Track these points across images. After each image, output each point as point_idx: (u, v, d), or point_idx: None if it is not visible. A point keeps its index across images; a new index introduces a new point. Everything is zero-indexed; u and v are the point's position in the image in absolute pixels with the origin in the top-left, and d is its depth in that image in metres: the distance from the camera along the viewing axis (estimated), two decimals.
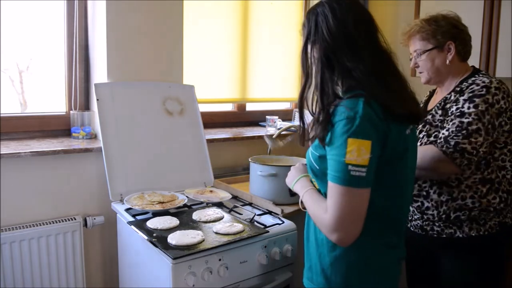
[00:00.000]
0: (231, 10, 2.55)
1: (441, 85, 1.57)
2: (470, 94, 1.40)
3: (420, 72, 1.56)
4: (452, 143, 1.37)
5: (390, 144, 1.04)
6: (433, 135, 1.47)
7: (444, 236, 1.49)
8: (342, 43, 1.08)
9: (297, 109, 2.81)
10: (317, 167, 1.12)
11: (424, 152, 1.40)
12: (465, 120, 1.38)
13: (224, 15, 2.52)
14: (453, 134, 1.37)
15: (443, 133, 1.41)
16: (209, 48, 2.49)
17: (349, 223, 1.01)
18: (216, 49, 2.52)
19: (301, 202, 1.21)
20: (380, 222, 1.11)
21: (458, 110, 1.40)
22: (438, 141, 1.41)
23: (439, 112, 1.48)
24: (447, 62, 1.49)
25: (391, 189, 1.11)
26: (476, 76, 1.48)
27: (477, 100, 1.38)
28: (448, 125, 1.41)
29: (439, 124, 1.46)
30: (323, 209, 1.05)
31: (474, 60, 2.18)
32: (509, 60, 2.13)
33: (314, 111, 1.12)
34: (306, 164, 1.27)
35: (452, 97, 1.47)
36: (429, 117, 1.51)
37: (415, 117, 1.14)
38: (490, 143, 1.40)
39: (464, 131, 1.37)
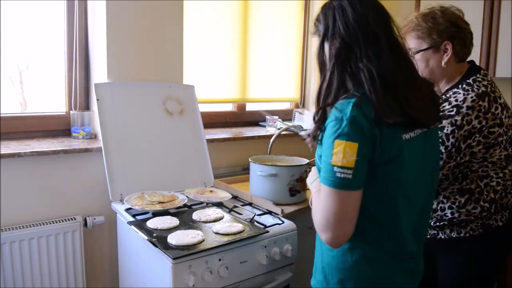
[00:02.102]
0: (231, 10, 2.55)
1: (436, 87, 1.50)
2: (440, 114, 1.32)
3: None
4: None
5: (380, 148, 1.00)
6: None
7: (428, 237, 1.49)
8: (359, 39, 1.03)
9: (297, 109, 2.84)
10: (321, 166, 1.10)
11: None
12: None
13: (224, 15, 2.52)
14: None
15: None
16: (209, 48, 2.48)
17: (336, 225, 0.99)
18: (216, 49, 2.52)
19: (311, 202, 1.18)
20: (376, 229, 1.07)
21: None
22: None
23: None
24: (443, 63, 1.41)
25: (384, 196, 1.06)
26: (460, 86, 1.38)
27: (444, 122, 1.33)
28: None
29: None
30: (316, 211, 1.05)
31: (474, 60, 2.19)
32: (509, 60, 2.13)
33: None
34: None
35: None
36: None
37: (416, 123, 1.05)
38: (454, 165, 1.37)
39: None
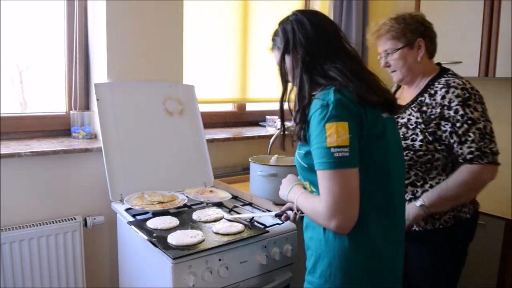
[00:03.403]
0: (231, 10, 2.55)
1: (411, 84, 1.57)
2: (460, 99, 1.39)
3: (393, 71, 1.56)
4: (488, 151, 1.37)
5: (367, 125, 1.07)
6: (410, 137, 1.46)
7: None
8: (320, 47, 1.14)
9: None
10: (305, 165, 1.15)
11: (467, 174, 1.39)
12: (480, 126, 1.38)
13: (224, 15, 2.52)
14: (482, 143, 1.38)
15: (468, 147, 1.38)
16: (209, 48, 2.48)
17: (344, 205, 1.02)
18: (216, 49, 2.52)
19: (297, 210, 1.22)
20: (375, 211, 1.11)
21: (466, 118, 1.38)
22: (469, 156, 1.38)
23: (416, 115, 1.47)
24: (418, 59, 1.51)
25: (379, 174, 1.12)
26: (445, 76, 1.48)
27: (471, 102, 1.39)
28: (463, 136, 1.39)
29: (420, 128, 1.45)
30: (317, 202, 1.06)
31: (474, 60, 2.19)
32: (509, 60, 2.12)
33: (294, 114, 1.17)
34: (295, 175, 1.31)
35: (428, 100, 1.46)
36: (404, 119, 1.50)
37: (390, 104, 1.16)
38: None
39: (487, 136, 1.39)
